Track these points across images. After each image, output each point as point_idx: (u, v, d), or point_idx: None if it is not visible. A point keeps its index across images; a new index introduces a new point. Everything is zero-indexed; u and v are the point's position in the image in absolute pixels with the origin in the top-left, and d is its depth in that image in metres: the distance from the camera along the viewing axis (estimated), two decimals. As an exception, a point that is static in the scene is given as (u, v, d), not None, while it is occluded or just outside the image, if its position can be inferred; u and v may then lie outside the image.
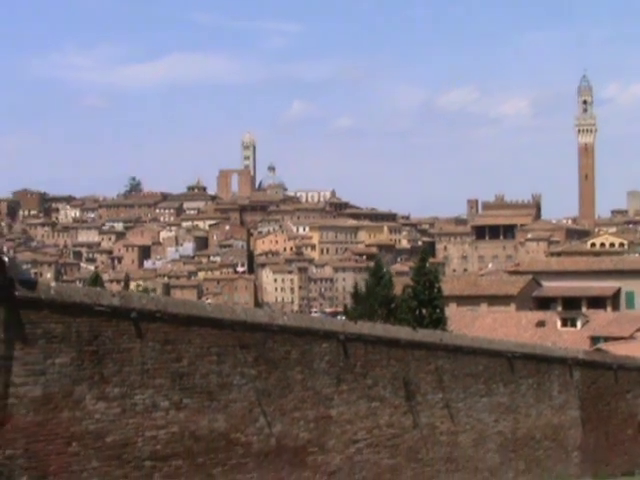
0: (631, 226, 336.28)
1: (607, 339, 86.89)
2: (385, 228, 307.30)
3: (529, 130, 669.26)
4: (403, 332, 36.06)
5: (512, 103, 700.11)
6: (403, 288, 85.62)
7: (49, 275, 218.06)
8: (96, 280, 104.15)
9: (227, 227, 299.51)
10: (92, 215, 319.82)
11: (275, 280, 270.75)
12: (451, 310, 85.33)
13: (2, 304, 22.94)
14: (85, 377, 24.15)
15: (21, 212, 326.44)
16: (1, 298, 22.96)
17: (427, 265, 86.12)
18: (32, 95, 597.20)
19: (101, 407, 24.38)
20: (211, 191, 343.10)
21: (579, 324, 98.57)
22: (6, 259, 23.67)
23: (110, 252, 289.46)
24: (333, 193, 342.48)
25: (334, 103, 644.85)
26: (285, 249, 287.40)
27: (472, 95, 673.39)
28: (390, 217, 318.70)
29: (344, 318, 78.30)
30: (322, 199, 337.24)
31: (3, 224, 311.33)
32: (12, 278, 23.26)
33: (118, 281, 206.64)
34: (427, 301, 77.40)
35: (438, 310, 78.02)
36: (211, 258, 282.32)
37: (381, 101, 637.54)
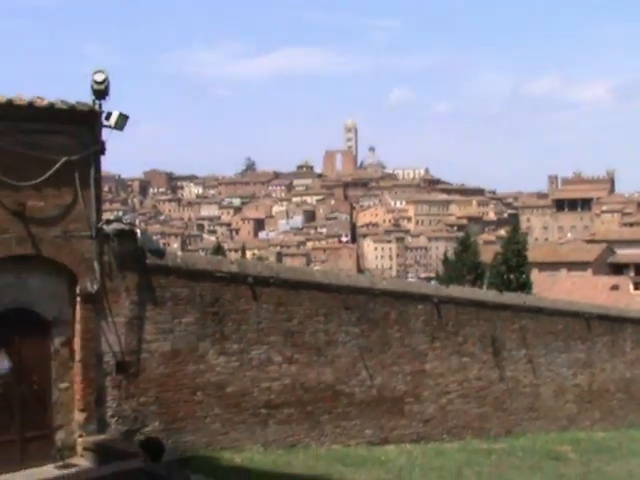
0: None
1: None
2: (474, 202, 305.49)
3: (606, 113, 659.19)
4: (490, 295, 36.03)
5: (592, 89, 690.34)
6: (494, 255, 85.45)
7: (175, 245, 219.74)
8: (218, 249, 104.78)
9: (332, 202, 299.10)
10: (213, 192, 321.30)
11: (375, 249, 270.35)
12: (533, 275, 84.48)
13: (135, 271, 23.30)
14: (208, 335, 24.47)
15: (151, 190, 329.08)
16: (134, 266, 23.32)
17: (517, 234, 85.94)
18: (163, 87, 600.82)
19: (222, 361, 24.69)
20: (318, 170, 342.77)
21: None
22: (138, 231, 24.02)
23: (229, 224, 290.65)
24: (427, 171, 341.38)
25: (430, 90, 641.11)
26: (384, 221, 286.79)
27: (555, 82, 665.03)
28: (478, 192, 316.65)
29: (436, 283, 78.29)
30: (417, 176, 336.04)
31: (135, 200, 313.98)
32: (143, 248, 23.61)
33: (236, 250, 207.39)
34: (515, 267, 77.17)
35: (524, 275, 77.68)
36: (318, 229, 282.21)
37: (473, 88, 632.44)
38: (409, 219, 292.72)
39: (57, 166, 21.80)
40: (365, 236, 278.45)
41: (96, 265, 22.63)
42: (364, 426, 27.86)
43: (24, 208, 21.49)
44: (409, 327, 29.27)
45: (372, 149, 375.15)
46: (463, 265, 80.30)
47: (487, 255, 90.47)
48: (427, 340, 29.88)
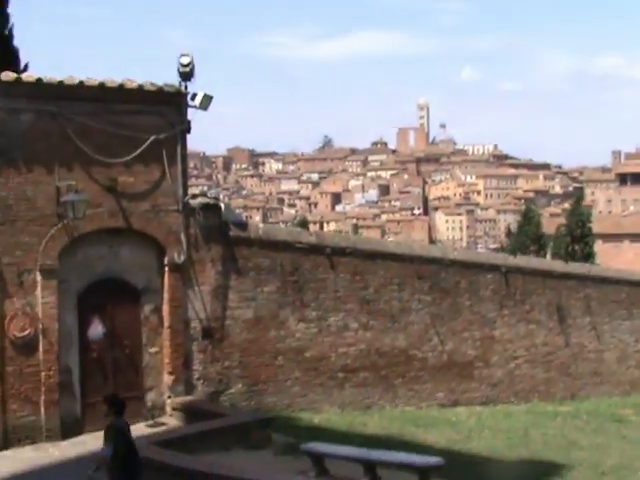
0: None
1: None
2: (540, 176, 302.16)
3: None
4: (556, 265, 35.69)
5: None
6: (557, 227, 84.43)
7: (257, 218, 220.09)
8: (303, 223, 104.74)
9: (405, 176, 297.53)
10: (292, 167, 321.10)
11: (446, 221, 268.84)
12: (597, 247, 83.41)
13: (220, 242, 23.42)
14: (288, 302, 24.54)
15: (234, 166, 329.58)
16: (219, 237, 23.44)
17: (581, 207, 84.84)
18: (243, 69, 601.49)
19: (301, 327, 24.76)
20: (392, 146, 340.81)
21: None
22: (222, 205, 24.13)
23: (307, 198, 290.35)
24: (495, 146, 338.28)
25: (497, 70, 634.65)
26: (455, 194, 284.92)
27: (618, 60, 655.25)
28: (545, 166, 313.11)
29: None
30: (486, 151, 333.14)
31: (219, 176, 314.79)
32: (227, 221, 23.71)
33: (315, 223, 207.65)
34: (579, 238, 76.26)
35: (588, 246, 76.75)
36: (392, 203, 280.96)
37: (538, 67, 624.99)
38: (478, 192, 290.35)
39: (146, 144, 21.98)
40: (437, 209, 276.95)
41: (183, 237, 22.81)
42: (435, 389, 27.80)
43: (116, 184, 21.72)
44: (479, 295, 29.11)
45: (443, 126, 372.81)
46: (526, 237, 79.46)
47: (552, 227, 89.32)
48: (496, 308, 29.69)
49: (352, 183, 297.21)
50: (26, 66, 25.78)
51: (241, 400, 23.79)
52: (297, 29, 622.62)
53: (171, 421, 22.29)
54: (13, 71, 22.00)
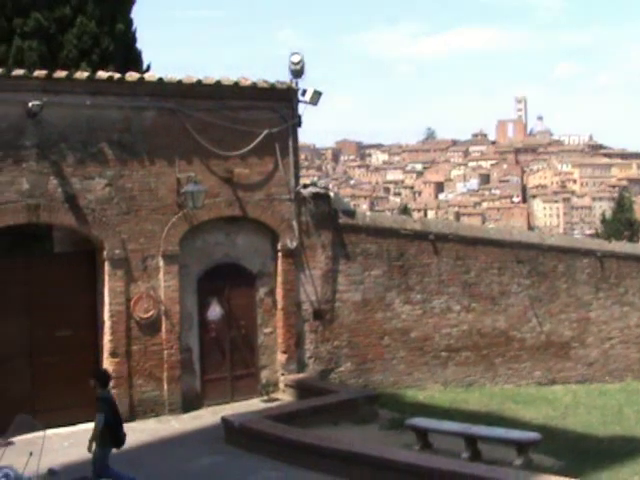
0: None
1: None
2: (634, 165, 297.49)
3: None
4: (650, 250, 34.91)
5: None
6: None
7: (364, 206, 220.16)
8: (405, 210, 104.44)
9: (505, 166, 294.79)
10: (397, 158, 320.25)
11: (544, 208, 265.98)
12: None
13: (330, 229, 23.40)
14: (394, 286, 24.43)
15: (342, 157, 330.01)
16: (329, 224, 23.42)
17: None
18: (350, 66, 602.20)
19: (407, 309, 24.62)
20: (491, 137, 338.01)
21: None
22: (332, 194, 24.12)
23: (412, 187, 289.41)
24: (590, 137, 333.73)
25: (593, 63, 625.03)
26: (551, 183, 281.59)
27: None
28: (638, 155, 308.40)
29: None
30: (581, 142, 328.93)
31: (329, 167, 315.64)
32: (336, 209, 23.68)
33: (419, 210, 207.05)
34: (670, 223, 74.87)
35: (682, 232, 75.19)
36: (492, 191, 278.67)
37: (632, 60, 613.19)
38: (574, 181, 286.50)
39: (260, 138, 22.05)
40: (535, 197, 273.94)
41: (295, 224, 22.83)
42: (534, 368, 27.44)
43: (232, 175, 21.83)
44: (575, 279, 28.60)
45: (540, 118, 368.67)
46: (619, 223, 78.12)
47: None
48: (591, 291, 29.15)
49: (454, 173, 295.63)
50: (148, 67, 26.04)
51: (350, 378, 23.76)
52: (401, 27, 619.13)
53: (284, 397, 22.34)
54: (136, 72, 22.26)
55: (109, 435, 14.72)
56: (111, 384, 15.63)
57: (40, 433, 11.79)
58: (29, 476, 11.32)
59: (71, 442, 18.60)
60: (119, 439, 14.93)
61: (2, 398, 18.56)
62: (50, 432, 13.05)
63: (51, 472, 11.43)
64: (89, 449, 14.68)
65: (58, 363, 19.95)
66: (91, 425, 19.86)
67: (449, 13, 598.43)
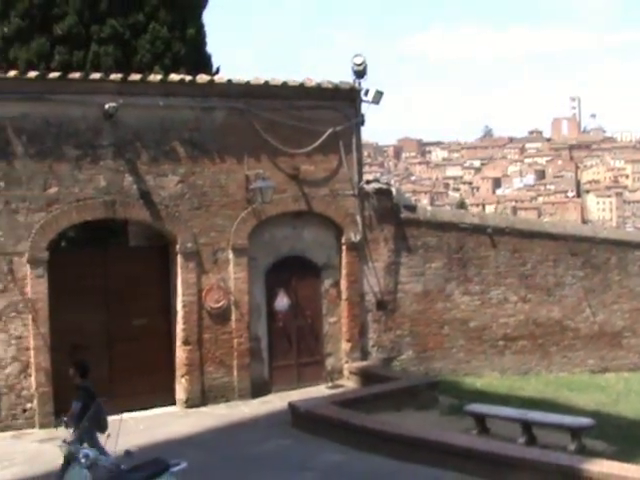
0: None
1: None
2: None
3: None
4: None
5: None
6: None
7: (425, 201, 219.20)
8: (462, 204, 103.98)
9: (559, 162, 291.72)
10: (456, 155, 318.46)
11: (597, 203, 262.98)
12: None
13: (392, 223, 23.33)
14: (453, 277, 24.28)
15: (403, 154, 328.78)
16: (391, 219, 23.36)
17: None
18: (410, 67, 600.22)
19: (465, 300, 24.46)
20: (546, 135, 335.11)
21: None
22: (394, 190, 24.05)
23: (470, 183, 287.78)
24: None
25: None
26: (604, 178, 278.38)
27: None
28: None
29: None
30: (633, 138, 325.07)
31: (390, 164, 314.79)
32: (398, 204, 23.60)
33: (477, 205, 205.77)
34: None
35: None
36: (547, 186, 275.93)
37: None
38: (626, 176, 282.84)
39: (325, 136, 22.02)
40: (588, 192, 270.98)
41: (358, 219, 22.77)
42: (587, 356, 27.11)
43: (298, 172, 21.84)
44: (627, 271, 28.17)
45: (593, 116, 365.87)
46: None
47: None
48: (644, 282, 28.78)
49: (511, 169, 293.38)
50: (218, 69, 26.08)
51: (411, 365, 23.66)
52: (457, 29, 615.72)
53: (348, 384, 22.30)
54: (207, 74, 22.32)
55: (95, 421, 14.80)
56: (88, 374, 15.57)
57: (117, 416, 11.86)
58: (107, 457, 11.40)
59: (146, 425, 18.75)
60: (102, 425, 14.73)
61: (82, 383, 18.69)
62: (126, 415, 13.12)
63: (127, 453, 11.51)
64: (56, 426, 14.87)
65: (134, 350, 20.12)
66: (162, 410, 20.21)
67: (505, 14, 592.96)
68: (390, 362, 23.36)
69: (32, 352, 18.90)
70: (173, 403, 20.76)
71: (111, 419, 11.78)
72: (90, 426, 14.45)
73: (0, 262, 18.70)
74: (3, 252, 18.72)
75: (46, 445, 17.09)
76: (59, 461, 12.65)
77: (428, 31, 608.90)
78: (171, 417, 19.89)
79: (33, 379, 18.94)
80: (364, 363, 22.82)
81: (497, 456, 14.54)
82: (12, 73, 19.42)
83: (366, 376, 22.06)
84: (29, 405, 18.87)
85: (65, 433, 11.73)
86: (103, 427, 14.74)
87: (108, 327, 20.13)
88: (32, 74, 19.35)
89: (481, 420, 17.90)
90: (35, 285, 18.92)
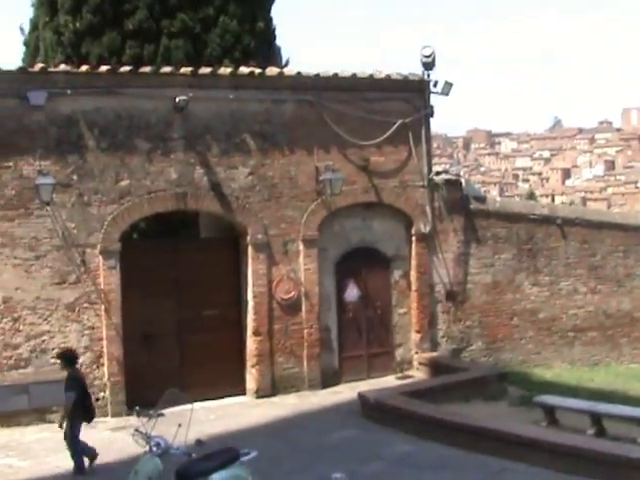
0: None
1: None
2: None
3: None
4: None
5: None
6: None
7: (494, 192, 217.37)
8: (531, 195, 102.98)
9: (629, 152, 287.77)
10: (525, 146, 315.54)
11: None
12: None
13: (461, 214, 23.16)
14: (523, 268, 24.04)
15: (472, 145, 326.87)
16: (460, 210, 23.18)
17: None
18: (481, 57, 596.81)
19: (535, 291, 24.20)
20: (616, 125, 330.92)
21: None
22: (463, 181, 23.87)
23: (540, 174, 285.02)
24: None
25: None
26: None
27: None
28: None
29: None
30: None
31: (460, 155, 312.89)
32: (468, 195, 23.43)
33: (546, 196, 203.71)
34: None
35: None
36: (617, 177, 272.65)
37: None
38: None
39: (394, 127, 21.89)
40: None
41: (428, 210, 22.61)
42: (659, 348, 26.70)
43: (368, 163, 21.75)
44: (699, 262, 27.70)
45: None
46: None
47: None
48: None
49: (580, 159, 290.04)
50: (287, 62, 26.09)
51: (480, 356, 23.48)
52: (526, 17, 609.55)
53: (417, 374, 22.18)
54: (276, 67, 22.32)
55: (81, 411, 14.91)
56: (79, 361, 15.63)
57: (188, 406, 11.86)
58: (178, 446, 11.41)
59: (217, 415, 18.82)
60: (90, 414, 15.19)
61: (153, 373, 18.84)
62: (197, 405, 13.12)
63: (198, 442, 11.50)
64: (60, 425, 14.91)
65: (205, 341, 20.18)
66: (232, 400, 20.26)
67: (581, 2, 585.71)
68: (459, 353, 23.20)
69: (104, 342, 19.08)
70: (243, 393, 20.80)
71: (182, 409, 11.76)
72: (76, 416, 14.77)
73: (73, 254, 18.88)
74: (76, 244, 18.90)
75: (118, 434, 17.27)
76: (131, 449, 12.71)
77: (497, 20, 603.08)
78: (241, 407, 19.92)
79: (105, 369, 19.11)
80: (433, 354, 22.68)
81: (566, 448, 14.30)
82: (84, 68, 19.63)
83: (435, 367, 21.91)
84: (102, 394, 19.05)
85: (138, 422, 11.72)
86: (90, 416, 15.16)
87: (179, 318, 20.22)
88: (104, 68, 19.51)
89: (550, 411, 17.68)
90: (107, 276, 19.07)
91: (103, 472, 15.00)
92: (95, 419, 15.52)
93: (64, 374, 15.10)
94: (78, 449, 15.02)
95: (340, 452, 15.82)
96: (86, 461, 15.04)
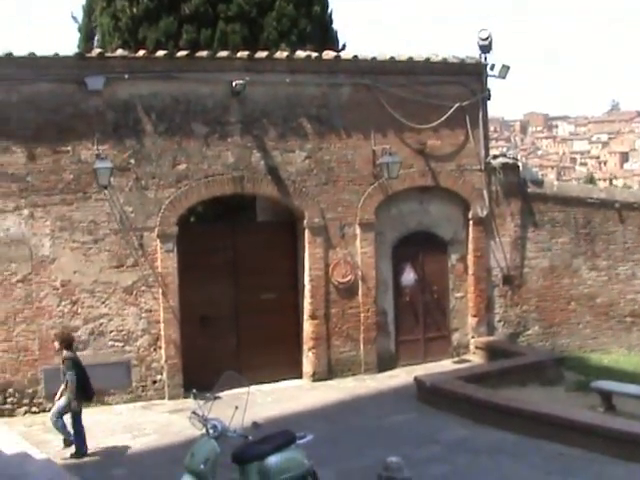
0: None
1: None
2: None
3: None
4: None
5: None
6: None
7: (552, 176, 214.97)
8: (591, 179, 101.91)
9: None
10: (583, 129, 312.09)
11: None
12: None
13: (518, 198, 22.97)
14: (580, 253, 23.77)
15: (530, 129, 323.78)
16: (517, 194, 22.98)
17: None
18: (537, 41, 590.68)
19: (592, 275, 23.92)
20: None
21: None
22: (520, 164, 23.65)
23: (597, 157, 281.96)
24: None
25: None
26: None
27: None
28: None
29: None
30: None
31: (517, 138, 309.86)
32: (525, 178, 23.21)
33: (604, 180, 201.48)
34: None
35: None
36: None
37: None
38: None
39: (451, 111, 21.70)
40: None
41: (485, 194, 22.43)
42: None
43: (425, 147, 21.62)
44: None
45: None
46: None
47: None
48: None
49: (638, 143, 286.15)
50: (344, 46, 25.93)
51: (537, 341, 23.27)
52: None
53: (474, 359, 22.05)
54: (332, 51, 22.22)
55: (80, 391, 15.18)
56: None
57: (245, 389, 11.87)
58: (234, 428, 11.41)
59: (273, 398, 18.85)
60: (89, 394, 15.53)
61: (210, 356, 18.91)
62: (254, 388, 13.14)
63: (255, 425, 11.50)
64: (71, 406, 15.16)
65: (262, 324, 20.18)
66: (289, 383, 20.28)
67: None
68: (516, 337, 23.02)
69: (162, 325, 19.17)
70: (300, 376, 20.81)
71: (238, 392, 11.77)
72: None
73: (131, 237, 18.99)
74: (134, 228, 19.01)
75: (175, 416, 17.37)
76: (188, 432, 12.74)
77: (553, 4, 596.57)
78: (298, 390, 19.94)
79: (163, 351, 19.21)
80: (490, 338, 22.52)
81: (623, 434, 14.18)
82: (141, 53, 19.67)
83: (492, 351, 21.76)
84: (159, 377, 19.16)
85: (195, 405, 11.75)
86: (90, 396, 15.62)
87: (236, 301, 20.25)
88: (161, 53, 19.54)
89: (607, 397, 17.49)
90: (165, 259, 19.16)
91: (161, 454, 15.11)
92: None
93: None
94: (81, 429, 15.33)
95: (396, 436, 15.79)
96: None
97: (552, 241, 23.45)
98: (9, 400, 17.80)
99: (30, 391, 18.34)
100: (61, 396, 15.41)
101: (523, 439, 15.19)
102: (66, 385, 15.25)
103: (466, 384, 17.98)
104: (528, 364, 20.08)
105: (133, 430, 16.81)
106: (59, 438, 15.70)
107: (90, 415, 17.30)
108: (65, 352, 15.42)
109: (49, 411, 16.11)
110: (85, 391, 15.36)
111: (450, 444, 15.26)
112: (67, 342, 15.60)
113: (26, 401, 18.32)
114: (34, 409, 18.32)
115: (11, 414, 17.83)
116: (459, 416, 16.75)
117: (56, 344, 15.81)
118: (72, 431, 15.29)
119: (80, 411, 15.28)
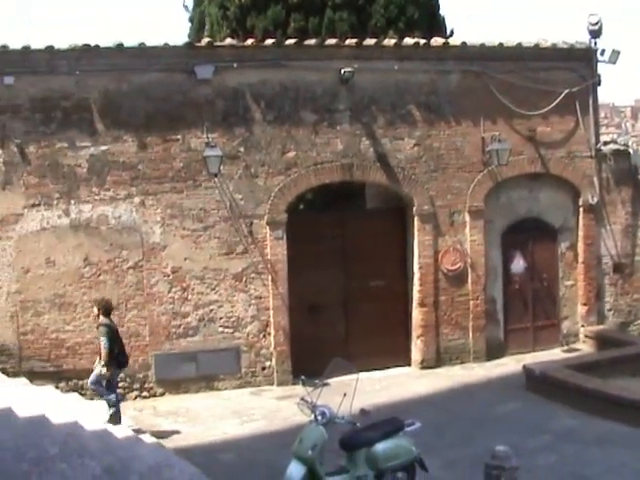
0: None
1: None
2: None
3: None
4: None
5: None
6: None
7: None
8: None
9: None
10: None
11: None
12: None
13: (629, 185, 22.52)
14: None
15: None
16: (628, 181, 22.48)
17: None
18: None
19: None
20: None
21: None
22: (631, 151, 23.09)
23: None
24: None
25: None
26: None
27: None
28: None
29: None
30: None
31: (628, 124, 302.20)
32: (636, 165, 22.64)
33: None
34: None
35: None
36: None
37: None
38: None
39: (561, 97, 21.27)
40: None
41: (595, 181, 21.96)
42: None
43: (534, 134, 21.28)
44: None
45: None
46: None
47: None
48: None
49: None
50: (452, 32, 25.64)
51: (648, 330, 22.78)
52: None
53: (584, 347, 21.63)
54: (440, 37, 22.02)
55: (113, 358, 15.31)
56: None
57: (353, 376, 11.82)
58: (343, 415, 11.39)
59: (382, 385, 18.81)
60: (122, 361, 15.64)
61: (319, 343, 18.94)
62: (362, 375, 13.07)
63: (363, 412, 11.47)
64: (103, 373, 15.31)
65: (370, 311, 20.15)
66: (397, 370, 20.21)
67: None
68: (627, 326, 22.53)
69: (271, 312, 19.27)
70: (408, 364, 20.70)
71: (347, 378, 11.73)
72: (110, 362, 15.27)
73: (240, 225, 19.12)
74: (243, 215, 19.13)
75: (283, 402, 17.44)
76: (296, 418, 12.76)
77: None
78: (406, 377, 19.85)
79: (272, 338, 19.31)
80: (600, 327, 22.06)
81: None
82: (250, 41, 19.74)
83: (602, 340, 21.32)
84: (268, 363, 19.28)
85: (303, 391, 11.76)
86: (122, 364, 15.73)
87: (345, 288, 20.25)
88: (269, 42, 19.59)
89: None
90: (274, 246, 19.24)
91: (269, 439, 15.19)
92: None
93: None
94: (117, 395, 15.61)
95: (504, 425, 15.60)
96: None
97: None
98: (120, 385, 18.11)
99: (141, 376, 18.67)
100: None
101: (635, 431, 14.82)
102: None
103: (576, 373, 17.62)
104: (639, 354, 19.60)
105: (242, 415, 16.94)
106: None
107: (200, 400, 17.54)
108: (102, 318, 15.63)
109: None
110: (118, 358, 15.54)
111: (558, 434, 14.99)
112: (105, 309, 15.79)
113: (137, 386, 18.67)
114: (144, 394, 18.65)
115: (122, 398, 18.21)
116: (568, 406, 16.44)
117: (95, 310, 16.00)
118: (111, 396, 15.41)
119: (112, 378, 15.51)
